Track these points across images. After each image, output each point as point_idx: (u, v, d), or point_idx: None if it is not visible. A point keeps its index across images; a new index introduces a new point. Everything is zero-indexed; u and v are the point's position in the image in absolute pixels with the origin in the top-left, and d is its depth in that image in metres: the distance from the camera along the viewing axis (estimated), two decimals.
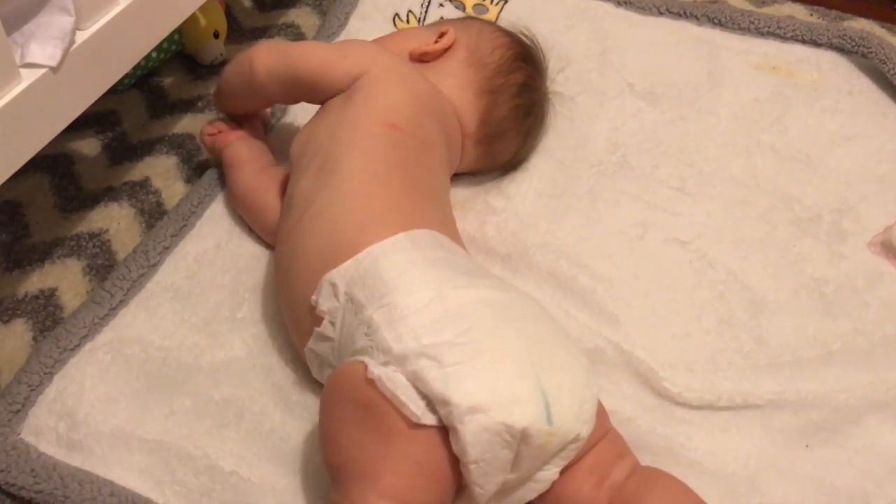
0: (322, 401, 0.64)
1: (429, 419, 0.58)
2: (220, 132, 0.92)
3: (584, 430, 0.62)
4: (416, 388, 0.59)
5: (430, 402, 0.58)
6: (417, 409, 0.58)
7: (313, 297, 0.68)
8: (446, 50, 0.88)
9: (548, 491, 0.64)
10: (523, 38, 0.93)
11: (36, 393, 0.73)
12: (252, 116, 0.95)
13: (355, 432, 0.61)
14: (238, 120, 0.94)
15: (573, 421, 0.61)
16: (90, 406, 0.72)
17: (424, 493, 0.59)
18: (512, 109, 0.88)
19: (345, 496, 0.59)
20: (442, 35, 0.89)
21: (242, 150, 0.90)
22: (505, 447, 0.58)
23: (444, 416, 0.58)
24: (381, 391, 0.59)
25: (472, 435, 0.57)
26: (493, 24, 0.94)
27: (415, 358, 0.59)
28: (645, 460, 0.70)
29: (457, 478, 0.60)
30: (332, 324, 0.67)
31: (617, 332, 0.80)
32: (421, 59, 0.88)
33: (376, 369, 0.59)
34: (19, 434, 0.71)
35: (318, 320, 0.68)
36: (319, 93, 0.84)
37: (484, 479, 0.59)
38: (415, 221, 0.70)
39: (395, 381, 0.59)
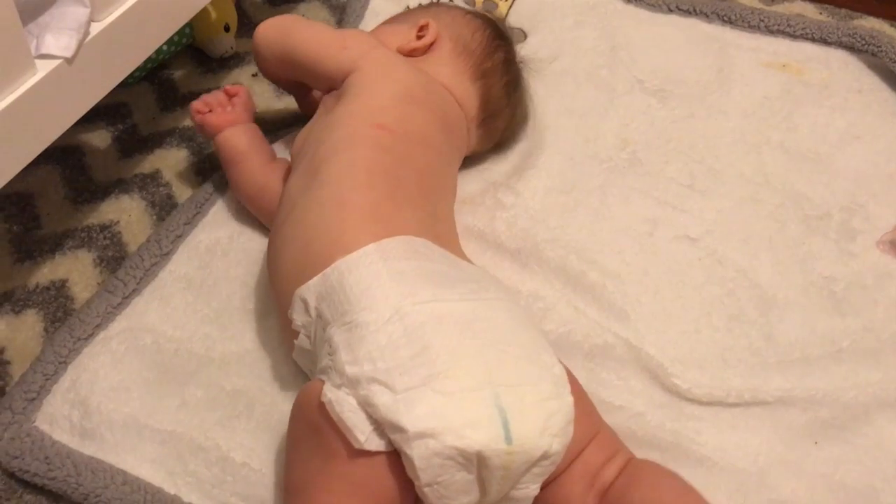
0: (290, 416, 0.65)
1: (374, 444, 0.58)
2: (209, 111, 0.88)
3: (555, 444, 0.59)
4: (367, 412, 0.58)
5: (380, 427, 0.58)
6: (362, 434, 0.57)
7: (289, 312, 0.68)
8: (434, 42, 0.88)
9: (537, 499, 0.63)
10: (487, 14, 0.94)
11: (51, 382, 0.73)
12: (303, 92, 0.95)
13: (304, 451, 0.61)
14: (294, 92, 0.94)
15: (537, 437, 0.58)
16: (103, 395, 0.73)
17: None
18: (504, 87, 0.90)
19: None
20: (422, 28, 0.89)
21: (240, 142, 0.87)
22: (461, 470, 0.57)
23: (394, 440, 0.57)
24: (330, 414, 0.58)
25: (421, 459, 0.56)
26: (457, 7, 0.95)
27: (367, 383, 0.58)
28: (653, 456, 0.70)
29: (406, 498, 0.59)
30: (308, 337, 0.67)
31: (626, 327, 0.80)
32: (411, 55, 0.88)
33: (330, 392, 0.59)
34: (34, 422, 0.71)
35: (297, 332, 0.68)
36: (315, 79, 0.85)
37: (443, 502, 0.58)
38: (391, 229, 0.68)
39: (343, 406, 0.58)
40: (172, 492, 0.68)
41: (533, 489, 0.61)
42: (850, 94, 1.04)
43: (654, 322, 0.81)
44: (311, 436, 0.61)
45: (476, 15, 0.93)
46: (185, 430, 0.71)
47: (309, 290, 0.66)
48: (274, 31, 0.85)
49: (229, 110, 0.89)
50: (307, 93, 0.95)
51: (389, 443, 0.58)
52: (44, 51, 0.70)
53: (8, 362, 0.79)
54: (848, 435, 0.74)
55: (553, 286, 0.83)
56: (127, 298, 0.80)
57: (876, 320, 0.82)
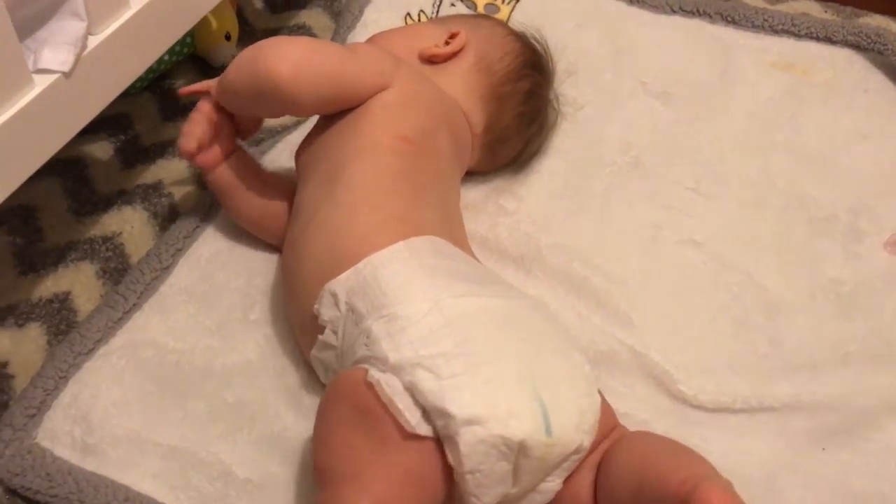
0: (321, 403, 0.64)
1: (423, 429, 0.58)
2: (200, 147, 0.80)
3: (586, 440, 0.61)
4: (413, 397, 0.58)
5: (426, 413, 0.58)
6: (412, 417, 0.58)
7: (315, 306, 0.68)
8: (456, 53, 0.87)
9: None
10: (533, 44, 0.92)
11: (51, 397, 0.73)
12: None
13: (350, 435, 0.61)
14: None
15: (573, 432, 0.60)
16: (104, 410, 0.72)
17: (412, 501, 0.58)
18: (516, 117, 0.88)
19: (334, 497, 0.58)
20: (453, 36, 0.88)
21: (231, 179, 0.82)
22: (502, 459, 0.58)
23: (440, 427, 0.58)
24: (379, 395, 0.58)
25: (468, 446, 0.57)
26: (504, 26, 0.93)
27: (411, 368, 0.58)
28: None
29: (447, 488, 0.60)
30: (335, 332, 0.67)
31: (631, 334, 0.80)
32: (430, 60, 0.87)
33: (376, 374, 0.59)
34: (35, 438, 0.71)
35: (322, 328, 0.68)
36: (342, 107, 0.79)
37: (480, 491, 0.58)
38: (417, 230, 0.69)
39: (393, 388, 0.58)
40: None
41: (557, 483, 0.62)
42: (857, 93, 1.03)
43: (659, 328, 0.80)
44: (358, 420, 0.60)
45: (518, 39, 0.90)
46: (188, 445, 0.71)
47: (339, 285, 0.66)
48: (313, 73, 0.74)
49: (215, 147, 0.81)
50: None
51: (434, 430, 0.58)
52: (41, 66, 0.70)
53: (12, 376, 0.79)
54: (856, 441, 0.73)
55: (556, 293, 0.83)
56: (128, 313, 0.79)
57: (883, 323, 0.81)
